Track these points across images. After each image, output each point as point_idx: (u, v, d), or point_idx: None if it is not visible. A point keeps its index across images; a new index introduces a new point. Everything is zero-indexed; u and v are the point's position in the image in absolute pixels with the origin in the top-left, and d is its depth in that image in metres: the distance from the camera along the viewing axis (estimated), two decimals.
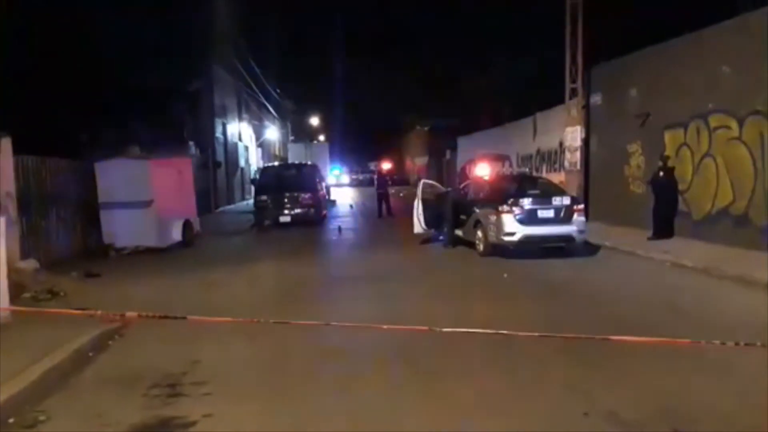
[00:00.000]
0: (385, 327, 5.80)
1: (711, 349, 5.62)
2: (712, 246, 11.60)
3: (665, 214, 13.11)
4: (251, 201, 24.56)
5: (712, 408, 4.61)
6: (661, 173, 13.09)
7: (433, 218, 14.00)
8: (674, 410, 4.55)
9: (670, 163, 13.13)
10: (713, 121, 12.26)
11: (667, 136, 13.81)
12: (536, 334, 5.81)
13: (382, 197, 22.88)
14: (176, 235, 14.24)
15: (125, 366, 5.88)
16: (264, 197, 19.78)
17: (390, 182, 27.44)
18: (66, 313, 6.83)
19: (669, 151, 13.45)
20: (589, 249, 12.53)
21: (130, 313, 6.06)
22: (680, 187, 13.16)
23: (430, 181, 16.31)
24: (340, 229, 18.64)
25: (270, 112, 41.30)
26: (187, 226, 14.80)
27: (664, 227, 13.04)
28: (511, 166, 23.86)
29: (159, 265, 12.19)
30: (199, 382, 5.39)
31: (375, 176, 30.29)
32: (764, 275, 8.83)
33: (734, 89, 11.69)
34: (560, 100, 18.13)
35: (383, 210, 22.60)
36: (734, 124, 11.67)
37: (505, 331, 5.43)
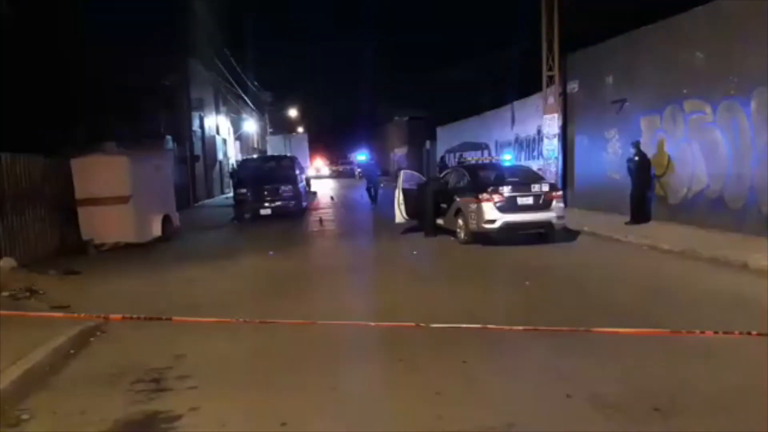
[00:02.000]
0: (372, 324, 5.80)
1: (693, 335, 5.74)
2: (688, 229, 11.80)
3: (641, 198, 13.30)
4: (230, 194, 24.41)
5: (692, 388, 4.69)
6: (636, 158, 13.26)
7: (414, 208, 14.04)
8: (655, 391, 4.63)
9: (642, 148, 13.29)
10: (688, 106, 12.44)
11: (644, 121, 13.99)
12: (521, 328, 5.84)
13: (372, 188, 24.16)
14: (156, 230, 14.11)
15: (107, 362, 5.83)
16: (244, 190, 19.65)
17: (378, 173, 27.81)
18: (48, 316, 6.72)
19: (645, 137, 13.62)
20: (568, 235, 12.67)
21: (113, 316, 6.01)
22: (657, 171, 13.35)
23: (411, 171, 16.32)
24: (321, 220, 18.61)
25: (248, 105, 40.98)
26: (166, 221, 14.67)
27: (640, 212, 13.24)
28: (490, 154, 23.98)
29: (139, 261, 12.07)
30: (184, 376, 5.36)
31: (362, 167, 30.94)
32: (739, 256, 9.02)
33: (708, 74, 11.87)
34: (538, 88, 18.25)
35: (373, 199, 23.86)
36: (708, 109, 11.86)
37: (492, 326, 5.46)
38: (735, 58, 11.08)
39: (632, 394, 4.60)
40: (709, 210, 11.91)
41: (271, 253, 12.46)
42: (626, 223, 13.03)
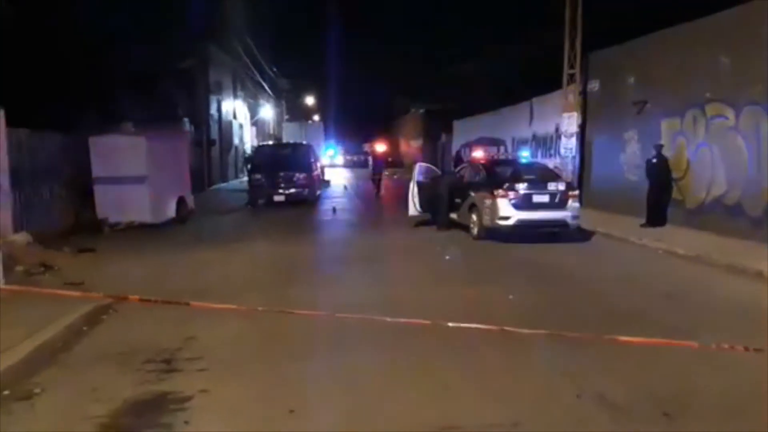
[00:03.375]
0: (388, 319, 5.78)
1: (702, 338, 5.69)
2: (704, 235, 11.66)
3: (658, 201, 13.16)
4: (245, 179, 24.49)
5: (702, 394, 4.67)
6: (654, 160, 13.12)
7: (428, 201, 14.01)
8: (664, 395, 4.61)
9: (663, 152, 13.15)
10: (710, 110, 12.27)
11: (664, 124, 13.82)
12: (543, 332, 5.79)
13: (378, 180, 24.34)
14: (170, 211, 14.21)
15: (119, 341, 5.89)
16: (258, 176, 19.74)
17: (386, 165, 28.17)
18: (65, 295, 6.78)
19: (665, 140, 13.47)
20: (582, 235, 12.57)
21: (132, 296, 6.05)
22: (675, 175, 13.19)
23: (426, 164, 16.27)
24: (334, 209, 18.62)
25: (265, 91, 40.98)
26: (181, 202, 14.76)
27: (656, 215, 13.10)
28: (506, 150, 23.84)
29: (153, 241, 12.16)
30: (194, 357, 5.41)
31: (370, 158, 31.32)
32: (755, 265, 8.92)
33: (732, 79, 11.69)
34: (558, 86, 18.08)
35: (379, 190, 24.04)
36: (731, 114, 11.69)
37: (509, 328, 5.42)
38: (760, 64, 10.89)
39: (640, 397, 4.58)
40: (727, 216, 11.76)
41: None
42: (641, 226, 12.92)
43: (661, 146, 13.20)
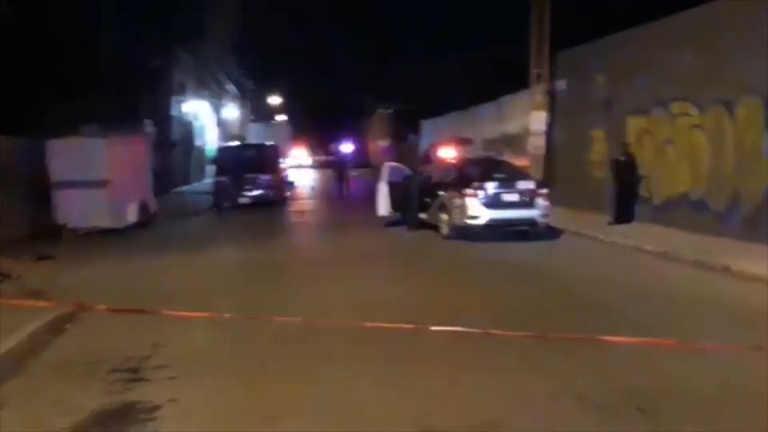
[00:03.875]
0: (367, 324, 5.67)
1: (675, 335, 5.71)
2: (671, 231, 11.83)
3: (625, 199, 13.31)
4: (209, 181, 24.10)
5: (675, 390, 4.66)
6: (622, 158, 13.28)
7: (397, 201, 13.94)
8: (638, 392, 4.59)
9: (630, 150, 13.31)
10: (675, 108, 12.46)
11: (630, 122, 14.00)
12: (528, 334, 5.74)
13: (342, 178, 24.56)
14: (132, 216, 13.83)
15: (83, 350, 5.64)
16: (223, 178, 19.42)
17: (350, 164, 28.41)
18: (26, 304, 6.49)
19: (631, 138, 13.64)
20: (551, 233, 12.63)
21: (99, 306, 5.82)
22: (641, 172, 13.37)
23: (395, 164, 16.20)
24: (302, 211, 18.43)
25: (229, 91, 40.44)
26: (143, 206, 14.40)
27: (624, 212, 13.24)
28: (475, 149, 23.93)
29: (115, 247, 11.81)
30: (162, 365, 5.21)
31: (334, 158, 31.66)
32: (722, 260, 9.06)
33: (697, 78, 11.89)
34: (526, 85, 18.21)
35: (343, 190, 24.15)
36: (695, 112, 11.89)
37: (495, 331, 5.36)
38: (724, 63, 11.10)
39: (615, 395, 4.56)
40: (692, 212, 11.96)
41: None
42: (609, 223, 13.05)
43: (628, 144, 13.37)
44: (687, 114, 12.11)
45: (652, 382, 4.83)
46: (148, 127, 22.33)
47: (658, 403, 4.40)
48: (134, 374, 5.03)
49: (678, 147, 12.45)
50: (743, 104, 10.68)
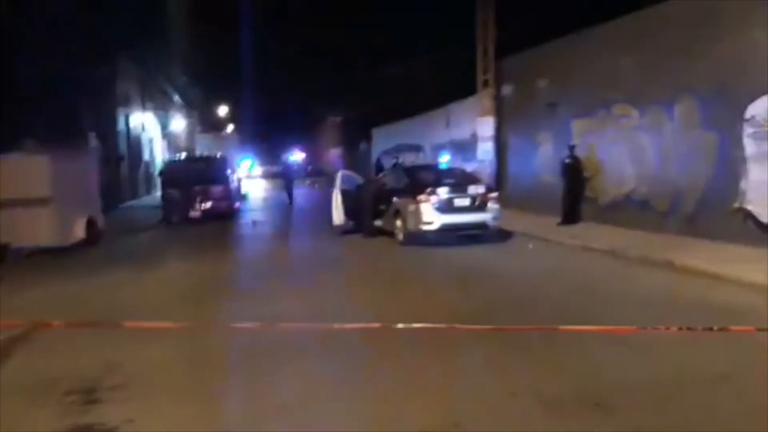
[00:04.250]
0: (336, 326, 5.68)
1: (628, 331, 5.93)
2: (617, 229, 12.23)
3: (572, 200, 13.69)
4: (158, 195, 23.61)
5: (630, 383, 4.82)
6: (568, 160, 13.66)
7: (352, 209, 13.96)
8: (596, 387, 4.74)
9: (575, 152, 13.71)
10: (617, 110, 12.91)
11: (575, 125, 14.42)
12: (490, 327, 5.87)
13: (289, 188, 25.00)
14: (79, 233, 13.42)
15: (35, 373, 5.45)
16: (172, 191, 19.03)
17: (301, 173, 28.82)
18: None
19: (576, 140, 14.05)
20: (503, 235, 12.87)
21: (57, 322, 5.64)
22: (586, 174, 13.78)
23: (348, 172, 16.23)
24: (254, 222, 18.24)
25: (176, 102, 39.74)
26: (90, 223, 13.98)
27: (571, 213, 13.62)
28: (425, 156, 24.22)
29: (62, 265, 11.46)
30: (118, 386, 5.08)
31: (281, 168, 32.08)
32: (665, 256, 9.43)
33: (635, 80, 12.36)
34: (473, 91, 18.52)
35: (292, 200, 24.60)
36: (636, 114, 12.35)
37: (460, 326, 5.44)
38: (662, 66, 11.57)
39: (573, 391, 4.68)
40: (637, 211, 12.39)
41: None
42: (558, 224, 13.39)
43: (574, 146, 13.76)
44: (629, 116, 12.56)
45: (607, 375, 5.00)
46: (93, 141, 21.76)
47: (615, 397, 4.53)
48: (90, 395, 4.89)
49: (621, 148, 12.89)
50: (681, 105, 11.15)
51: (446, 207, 12.01)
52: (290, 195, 24.98)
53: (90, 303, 8.22)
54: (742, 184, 9.90)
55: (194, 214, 18.60)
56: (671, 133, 11.46)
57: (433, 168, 14.73)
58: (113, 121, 25.82)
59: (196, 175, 19.41)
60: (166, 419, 4.46)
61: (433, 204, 11.94)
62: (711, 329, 5.71)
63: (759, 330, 5.73)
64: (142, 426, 4.35)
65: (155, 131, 35.22)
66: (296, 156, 66.51)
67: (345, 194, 14.11)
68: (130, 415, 4.48)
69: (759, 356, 5.22)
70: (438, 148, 23.40)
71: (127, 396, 4.88)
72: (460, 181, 12.80)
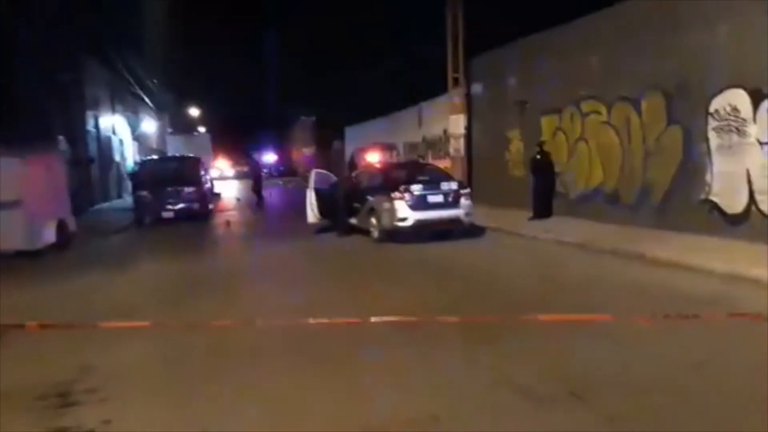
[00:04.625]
0: (311, 321, 5.72)
1: (602, 320, 6.06)
2: (587, 223, 12.46)
3: (543, 195, 13.89)
4: (129, 197, 23.33)
5: (605, 372, 4.93)
6: (538, 156, 13.85)
7: (326, 207, 13.98)
8: (571, 376, 4.84)
9: (545, 148, 13.91)
10: (585, 107, 13.14)
11: (544, 121, 14.63)
12: (456, 319, 5.95)
13: (257, 188, 24.64)
14: (50, 236, 13.20)
15: (7, 377, 5.36)
16: (144, 192, 18.83)
17: (267, 174, 28.96)
18: None
19: (545, 136, 14.26)
20: (476, 231, 13.02)
21: (29, 323, 5.57)
22: (556, 169, 14.00)
23: (322, 171, 16.25)
24: (228, 222, 18.14)
25: (146, 104, 39.22)
26: (61, 226, 13.77)
27: (543, 207, 13.82)
28: (398, 154, 24.33)
29: (33, 269, 11.27)
30: (93, 388, 5.04)
31: (250, 167, 32.06)
32: (636, 248, 9.65)
33: (603, 77, 12.59)
34: (444, 90, 18.66)
35: (260, 200, 24.25)
36: (603, 110, 12.58)
37: (438, 318, 5.50)
38: (628, 62, 11.82)
39: (550, 380, 4.77)
40: (605, 205, 12.64)
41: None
42: (529, 219, 13.58)
43: (543, 142, 13.96)
44: (597, 112, 12.80)
45: (582, 364, 5.10)
46: (62, 143, 21.40)
47: (590, 386, 4.63)
48: (64, 399, 4.85)
49: (590, 143, 13.13)
50: (647, 100, 11.40)
51: (420, 204, 12.11)
52: (259, 194, 24.73)
53: (63, 306, 8.11)
54: (707, 177, 10.17)
55: (167, 215, 18.45)
56: (638, 128, 11.70)
57: (406, 165, 14.80)
58: (82, 124, 25.41)
59: (168, 176, 19.26)
60: (144, 420, 4.45)
61: (407, 201, 12.04)
62: (684, 317, 5.87)
63: (730, 316, 5.92)
64: (119, 427, 4.33)
65: (126, 133, 34.75)
66: (269, 156, 66.26)
67: (319, 193, 14.12)
68: (107, 417, 4.45)
69: (730, 342, 5.40)
70: (412, 147, 23.53)
71: (103, 397, 4.84)
72: (433, 178, 12.92)
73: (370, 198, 12.91)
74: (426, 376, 5.05)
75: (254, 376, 5.18)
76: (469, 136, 18.22)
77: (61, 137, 21.35)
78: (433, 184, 12.49)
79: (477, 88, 17.94)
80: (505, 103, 16.25)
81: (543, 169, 13.83)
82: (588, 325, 5.97)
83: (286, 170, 58.08)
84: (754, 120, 9.25)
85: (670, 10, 10.77)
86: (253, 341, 6.14)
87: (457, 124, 18.21)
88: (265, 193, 25.11)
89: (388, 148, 26.09)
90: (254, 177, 25.87)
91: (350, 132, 33.69)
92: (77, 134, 24.24)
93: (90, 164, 25.64)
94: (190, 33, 38.07)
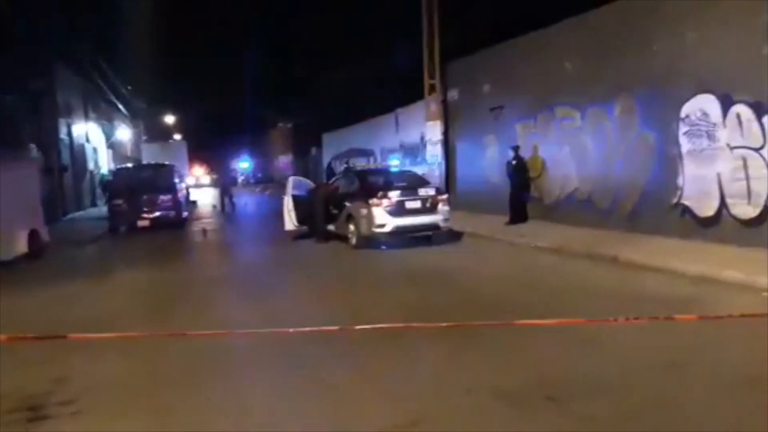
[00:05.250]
0: (291, 330, 5.68)
1: (578, 324, 6.12)
2: (562, 227, 12.58)
3: (519, 200, 14.00)
4: (104, 206, 23.04)
5: (581, 376, 4.98)
6: (513, 162, 13.96)
7: (304, 214, 13.94)
8: (548, 380, 4.88)
9: (520, 153, 14.03)
10: (559, 112, 13.29)
11: (519, 127, 14.77)
12: (444, 325, 5.98)
13: (226, 194, 25.49)
14: (21, 246, 12.97)
15: None
16: (119, 201, 18.63)
17: (244, 181, 29.77)
18: None
19: (521, 142, 14.38)
20: (453, 236, 13.08)
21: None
22: (531, 174, 14.12)
23: (299, 177, 16.21)
24: (204, 231, 17.99)
25: (120, 111, 38.78)
26: (33, 236, 13.53)
27: (519, 212, 13.92)
28: (376, 160, 24.38)
29: (3, 280, 11.03)
30: (66, 401, 4.94)
31: (219, 174, 32.69)
32: (609, 251, 9.77)
33: (576, 82, 12.76)
34: (421, 96, 18.75)
35: (226, 205, 25.11)
36: (577, 115, 12.74)
37: (416, 325, 5.50)
38: (600, 68, 11.99)
39: (527, 385, 4.81)
40: (580, 209, 12.78)
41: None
42: (506, 224, 13.67)
43: (518, 147, 14.07)
44: (571, 117, 12.95)
45: (559, 367, 5.16)
46: (34, 151, 21.08)
47: (567, 388, 4.68)
48: (36, 412, 4.75)
49: (564, 149, 13.27)
50: (620, 106, 11.57)
51: (398, 210, 12.13)
52: (231, 200, 25.34)
53: (35, 317, 7.96)
54: (679, 181, 10.34)
55: (142, 223, 18.25)
56: (611, 133, 11.87)
57: (384, 172, 14.83)
58: (55, 132, 25.05)
59: (143, 184, 19.08)
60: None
61: (385, 207, 12.06)
62: (656, 319, 5.95)
63: (700, 318, 6.02)
64: None
65: (100, 141, 34.30)
66: (245, 163, 65.88)
67: (296, 199, 14.08)
68: (81, 430, 4.39)
69: (702, 343, 5.48)
70: (389, 153, 23.59)
71: (76, 410, 4.76)
72: (410, 184, 12.95)
73: (348, 204, 12.90)
74: (405, 382, 5.05)
75: (232, 386, 5.13)
76: (446, 142, 18.32)
77: (32, 145, 21.04)
78: (411, 190, 12.53)
79: (453, 93, 18.05)
80: (480, 108, 16.37)
81: (518, 175, 13.94)
82: (564, 329, 6.01)
83: (264, 177, 57.84)
84: (724, 125, 9.44)
85: (642, 17, 10.96)
86: (231, 351, 6.10)
87: (434, 130, 18.31)
88: (239, 200, 25.21)
89: (365, 154, 26.15)
90: (222, 184, 27.20)
91: (328, 138, 33.66)
92: (49, 142, 23.89)
93: (63, 172, 25.28)
94: (166, 39, 37.76)
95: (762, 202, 8.91)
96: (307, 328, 6.02)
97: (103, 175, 30.92)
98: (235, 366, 5.64)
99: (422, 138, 19.70)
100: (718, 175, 9.60)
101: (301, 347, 5.93)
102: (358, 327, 5.89)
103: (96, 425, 4.48)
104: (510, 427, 4.16)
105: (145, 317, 7.73)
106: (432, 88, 18.13)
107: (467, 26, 17.94)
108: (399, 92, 21.74)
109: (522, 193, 14.04)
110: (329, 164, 28.42)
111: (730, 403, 4.34)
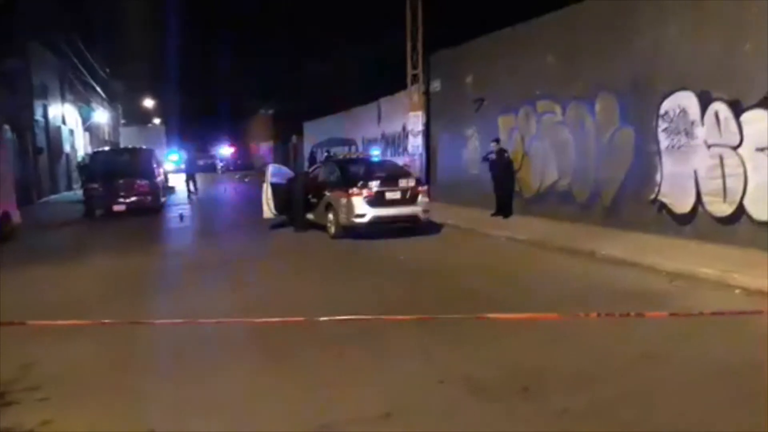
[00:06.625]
0: (258, 321, 5.60)
1: (553, 318, 6.14)
2: (542, 221, 12.63)
3: (502, 193, 14.00)
4: (79, 190, 22.68)
5: (556, 368, 5.00)
6: (494, 155, 13.94)
7: (283, 203, 13.83)
8: (524, 372, 4.89)
9: (502, 146, 14.02)
10: (540, 106, 13.31)
11: (500, 120, 14.77)
12: (414, 317, 5.95)
13: (191, 178, 25.97)
14: None
15: None
16: (95, 185, 18.32)
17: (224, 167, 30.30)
18: None
19: (502, 135, 14.38)
20: (433, 228, 13.07)
21: None
22: (513, 167, 14.12)
23: (279, 165, 16.07)
24: (182, 216, 17.79)
25: (98, 94, 38.13)
26: (5, 218, 13.28)
27: (503, 205, 13.91)
28: (357, 150, 24.26)
29: None
30: (33, 387, 4.84)
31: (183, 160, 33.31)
32: (587, 246, 9.82)
33: (558, 77, 12.77)
34: (404, 86, 18.67)
35: (191, 189, 25.30)
36: (558, 110, 12.77)
37: (386, 317, 5.46)
38: (581, 63, 12.02)
39: (502, 376, 4.82)
40: (559, 203, 12.84)
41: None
42: (492, 215, 13.64)
43: (498, 140, 14.05)
44: (551, 111, 12.98)
45: (534, 360, 5.16)
46: (8, 133, 20.65)
47: (542, 381, 4.69)
48: (2, 398, 4.64)
49: (544, 143, 13.31)
50: (600, 101, 11.61)
51: (377, 200, 12.08)
52: (194, 186, 25.62)
53: (2, 301, 7.79)
54: (657, 177, 10.42)
55: (118, 208, 17.97)
56: (591, 128, 11.92)
57: (364, 161, 14.74)
58: (30, 113, 24.56)
59: (120, 169, 18.80)
60: (87, 419, 4.30)
61: (365, 197, 12.00)
62: (628, 315, 5.98)
63: (671, 315, 6.07)
64: (60, 427, 4.18)
65: (76, 123, 33.72)
66: (225, 149, 65.31)
67: (276, 188, 13.95)
68: (47, 417, 4.29)
69: (673, 338, 5.53)
70: (370, 142, 23.50)
71: (43, 397, 4.67)
72: (391, 175, 12.89)
73: (327, 193, 12.82)
74: (378, 374, 5.03)
75: (202, 375, 5.07)
76: (427, 133, 18.28)
77: (6, 126, 20.60)
78: (390, 181, 12.47)
79: (435, 85, 18.00)
80: (463, 100, 16.34)
81: (499, 168, 13.93)
82: (540, 323, 6.02)
83: (244, 164, 57.38)
84: (702, 122, 9.51)
85: (623, 12, 10.98)
86: (201, 340, 6.01)
87: (416, 121, 18.26)
88: (219, 187, 25.03)
89: (346, 143, 26.01)
90: (186, 170, 27.58)
91: (309, 126, 33.45)
92: (24, 123, 23.43)
93: (38, 155, 24.82)
94: (144, 21, 37.13)
95: (737, 200, 9.00)
96: (275, 319, 5.96)
97: (82, 158, 30.43)
98: (204, 355, 5.57)
99: (404, 128, 19.64)
100: (695, 172, 9.68)
101: (273, 338, 5.88)
102: (327, 318, 5.83)
103: (64, 412, 4.39)
104: (483, 418, 4.15)
105: (115, 303, 7.59)
106: (415, 78, 18.06)
107: (451, 17, 17.88)
108: (382, 82, 21.63)
109: (503, 186, 13.99)
110: (311, 152, 28.31)
111: (697, 392, 4.43)
